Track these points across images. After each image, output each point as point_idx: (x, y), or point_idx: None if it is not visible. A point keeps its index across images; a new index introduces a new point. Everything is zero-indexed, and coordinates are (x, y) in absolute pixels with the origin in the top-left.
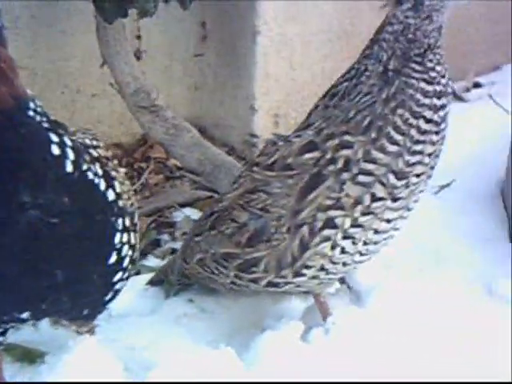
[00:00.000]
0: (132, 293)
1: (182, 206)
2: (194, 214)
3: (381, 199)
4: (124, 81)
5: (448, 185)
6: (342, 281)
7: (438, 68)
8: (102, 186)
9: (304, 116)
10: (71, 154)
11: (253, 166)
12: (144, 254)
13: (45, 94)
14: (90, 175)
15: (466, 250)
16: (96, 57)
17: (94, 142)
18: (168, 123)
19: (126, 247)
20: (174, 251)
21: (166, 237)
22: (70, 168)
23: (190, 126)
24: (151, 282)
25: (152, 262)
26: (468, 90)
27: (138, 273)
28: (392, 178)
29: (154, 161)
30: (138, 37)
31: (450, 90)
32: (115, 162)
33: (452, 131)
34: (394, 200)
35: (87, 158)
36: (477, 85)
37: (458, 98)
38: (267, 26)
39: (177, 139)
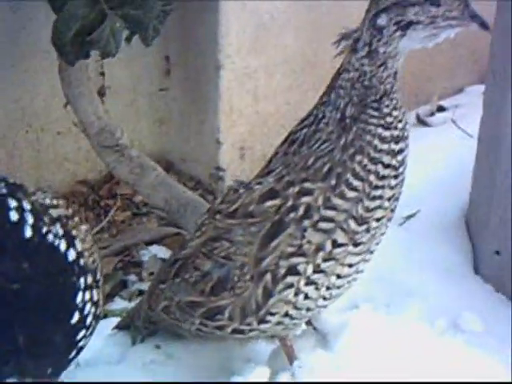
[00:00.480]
0: (99, 339)
1: (149, 243)
2: (161, 251)
3: (342, 245)
4: (88, 121)
5: (413, 215)
6: (308, 322)
7: (395, 113)
8: (63, 246)
9: (270, 148)
10: (30, 219)
11: (215, 213)
12: (111, 296)
13: (9, 133)
14: (50, 238)
15: (431, 283)
16: (60, 95)
17: (54, 202)
18: (133, 162)
19: (88, 305)
20: (141, 293)
21: (133, 277)
22: (29, 233)
23: (156, 165)
24: (118, 327)
25: (119, 304)
26: (432, 114)
27: (105, 316)
28: (353, 224)
29: (120, 197)
30: (102, 73)
31: (407, 133)
32: (76, 219)
33: (416, 157)
34: (356, 245)
35: (47, 219)
36: (441, 108)
37: (422, 122)
38: (230, 60)
39: (142, 178)
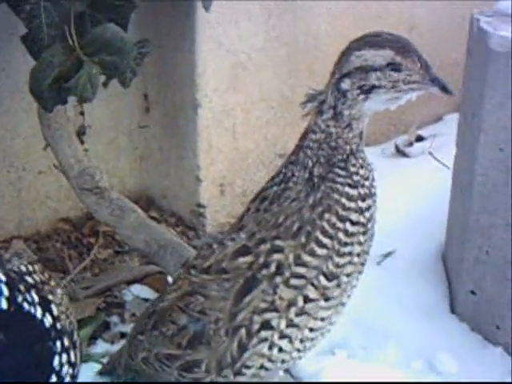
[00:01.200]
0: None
1: (132, 282)
2: (143, 291)
3: (314, 300)
4: (67, 163)
5: (390, 254)
6: (286, 369)
7: (361, 171)
8: (39, 313)
9: (250, 184)
10: (5, 290)
11: (190, 268)
12: (93, 339)
13: None
14: (26, 306)
15: (408, 323)
16: (40, 135)
17: (30, 268)
18: (113, 204)
19: (65, 367)
20: (122, 335)
21: (115, 318)
22: (4, 305)
23: (135, 207)
24: (101, 373)
25: (101, 347)
26: (411, 144)
27: (86, 360)
28: (323, 280)
29: (102, 235)
30: (82, 113)
31: (374, 190)
32: (52, 283)
33: (394, 190)
34: (327, 300)
35: (22, 287)
36: (420, 138)
37: (400, 153)
38: (207, 98)
39: (122, 220)
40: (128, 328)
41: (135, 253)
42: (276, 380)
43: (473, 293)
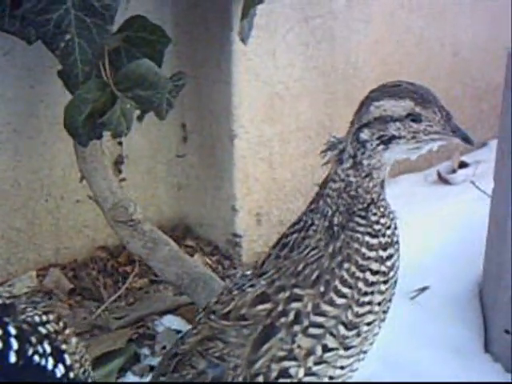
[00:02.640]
0: None
1: (164, 313)
2: (175, 322)
3: (333, 349)
4: (102, 195)
5: (424, 289)
6: None
7: (383, 220)
8: (50, 364)
9: (287, 213)
10: (15, 344)
11: (210, 313)
12: (124, 371)
13: (29, 203)
14: (36, 359)
15: (438, 362)
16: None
17: (44, 318)
18: (146, 237)
19: None
20: (152, 368)
21: (146, 351)
22: (13, 359)
23: (168, 239)
24: None
25: (131, 379)
26: (454, 171)
27: None
28: (342, 329)
29: (138, 263)
30: (120, 143)
31: (396, 239)
32: (67, 331)
33: (433, 220)
34: (346, 349)
35: (34, 339)
36: (463, 164)
37: (443, 180)
38: (243, 129)
39: (155, 253)
40: (158, 361)
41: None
42: None
43: (507, 332)
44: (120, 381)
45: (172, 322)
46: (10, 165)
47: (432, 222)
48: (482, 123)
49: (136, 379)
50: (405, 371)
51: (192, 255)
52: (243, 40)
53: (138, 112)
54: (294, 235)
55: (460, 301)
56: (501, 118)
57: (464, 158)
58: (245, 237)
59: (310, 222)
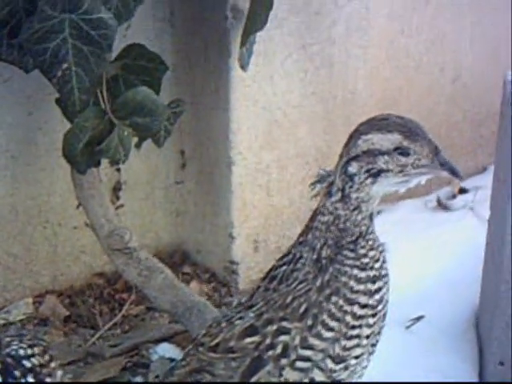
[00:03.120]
0: None
1: (160, 341)
2: (170, 350)
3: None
4: (98, 223)
5: (420, 318)
6: None
7: (371, 253)
8: None
9: (284, 240)
10: None
11: (198, 345)
12: None
13: (27, 229)
14: None
15: None
16: None
17: (29, 351)
18: (141, 265)
19: None
20: None
21: (139, 379)
22: None
23: (164, 267)
24: None
25: None
26: (454, 196)
27: None
28: (330, 363)
29: (135, 291)
30: (118, 169)
31: (385, 272)
32: (52, 365)
33: (431, 247)
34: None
35: (18, 373)
36: (463, 190)
37: (442, 206)
38: (241, 156)
39: (150, 281)
40: None
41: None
42: None
43: (501, 364)
44: None
45: (167, 350)
46: (8, 191)
47: (430, 249)
48: (482, 148)
49: None
50: None
51: (189, 282)
52: (243, 67)
53: (136, 139)
54: (283, 267)
55: (456, 331)
56: (497, 145)
57: (464, 184)
58: (242, 264)
59: (298, 254)
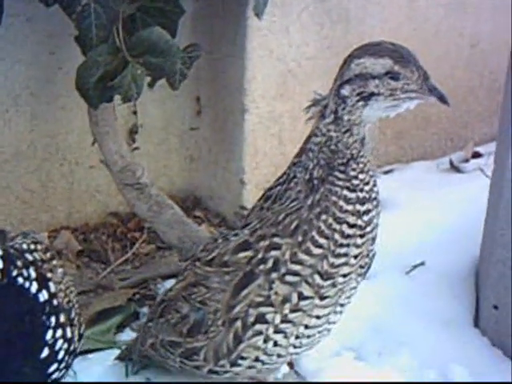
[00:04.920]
0: (101, 367)
1: (168, 277)
2: None
3: (308, 298)
4: (111, 159)
5: (419, 265)
6: (291, 366)
7: (361, 176)
8: (34, 288)
9: None
10: (0, 263)
11: (195, 260)
12: (122, 327)
13: (44, 165)
14: (20, 280)
15: (427, 333)
16: None
17: (32, 246)
18: (152, 200)
19: (60, 341)
20: None
21: (145, 310)
22: None
23: (173, 204)
24: (119, 358)
25: (128, 335)
26: (467, 160)
27: (111, 347)
28: (318, 279)
29: (147, 231)
30: (135, 112)
31: (374, 195)
32: (54, 262)
33: (440, 204)
34: (322, 298)
35: (20, 263)
36: (477, 155)
37: (455, 168)
38: (255, 104)
39: (159, 216)
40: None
41: (176, 249)
42: (280, 376)
43: (495, 307)
44: (117, 336)
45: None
46: (27, 127)
47: (438, 205)
48: (498, 115)
49: (133, 335)
50: (394, 340)
51: (199, 225)
52: (257, 15)
53: (149, 79)
54: (278, 187)
55: (455, 279)
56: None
57: (478, 149)
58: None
59: (292, 174)
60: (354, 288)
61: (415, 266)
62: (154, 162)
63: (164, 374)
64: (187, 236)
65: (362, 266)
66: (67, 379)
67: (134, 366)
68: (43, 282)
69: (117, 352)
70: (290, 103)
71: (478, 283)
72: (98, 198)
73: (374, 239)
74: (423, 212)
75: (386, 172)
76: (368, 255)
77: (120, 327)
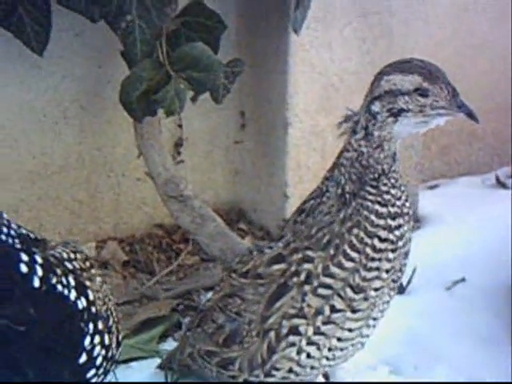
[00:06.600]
0: (143, 375)
1: (211, 288)
2: None
3: (340, 310)
4: (156, 171)
5: (461, 281)
6: (326, 378)
7: (393, 191)
8: (73, 295)
9: None
10: (40, 271)
11: (231, 272)
12: (165, 337)
13: (92, 177)
14: (59, 287)
15: (464, 350)
16: None
17: (72, 255)
18: (195, 212)
19: (98, 348)
20: None
21: (188, 320)
22: (37, 283)
23: (216, 216)
24: (160, 367)
25: (170, 345)
26: None
27: (153, 356)
28: (349, 292)
29: (192, 242)
30: (180, 126)
31: (406, 210)
32: (93, 271)
33: (484, 221)
34: (354, 311)
35: (59, 271)
36: None
37: (500, 184)
38: (298, 119)
39: (202, 228)
40: None
41: (218, 261)
42: None
43: None
44: (160, 345)
45: None
46: (76, 140)
47: (481, 221)
48: None
49: (175, 344)
50: (430, 355)
51: (243, 238)
52: (295, 30)
53: (191, 93)
54: (311, 202)
55: (495, 294)
56: None
57: None
58: None
59: (325, 189)
60: (387, 302)
61: (456, 282)
62: (199, 174)
63: None
64: (229, 248)
65: (394, 281)
66: None
67: (174, 374)
68: (82, 290)
69: (159, 361)
70: (333, 118)
71: None
72: (144, 210)
73: (406, 254)
74: (466, 227)
75: (431, 187)
76: (401, 270)
77: (163, 337)
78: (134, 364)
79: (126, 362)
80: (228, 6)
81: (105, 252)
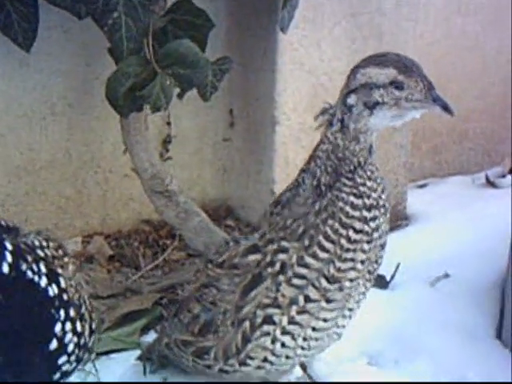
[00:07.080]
0: (122, 366)
1: None
2: None
3: (314, 301)
4: (142, 167)
5: (444, 276)
6: (304, 369)
7: (369, 183)
8: (43, 282)
9: None
10: (9, 257)
11: (207, 262)
12: (147, 329)
13: (79, 173)
14: (29, 274)
15: (447, 344)
16: None
17: (44, 243)
18: (179, 207)
19: (69, 335)
20: None
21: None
22: (5, 269)
23: (200, 211)
24: (139, 358)
25: (152, 337)
26: (504, 176)
27: (134, 348)
28: (324, 282)
29: (178, 238)
30: (168, 123)
31: (382, 202)
32: (65, 259)
33: (474, 218)
34: (328, 301)
35: (30, 258)
36: None
37: (490, 184)
38: (286, 116)
39: (186, 223)
40: None
41: (204, 256)
42: (293, 379)
43: None
44: (142, 338)
45: None
46: (64, 136)
47: (470, 220)
48: None
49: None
50: (413, 349)
51: (230, 234)
52: (283, 29)
53: (178, 90)
54: (287, 193)
55: (480, 290)
56: None
57: None
58: None
59: (301, 181)
60: (363, 293)
61: (439, 278)
62: (187, 171)
63: (181, 374)
64: (213, 243)
65: (370, 272)
66: (89, 378)
67: (153, 365)
68: (53, 277)
69: (139, 352)
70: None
71: (504, 295)
72: (131, 206)
73: (383, 246)
74: (453, 225)
75: (421, 186)
76: (377, 261)
77: (145, 329)
78: (114, 355)
79: (107, 353)
80: (218, 5)
81: (91, 247)
